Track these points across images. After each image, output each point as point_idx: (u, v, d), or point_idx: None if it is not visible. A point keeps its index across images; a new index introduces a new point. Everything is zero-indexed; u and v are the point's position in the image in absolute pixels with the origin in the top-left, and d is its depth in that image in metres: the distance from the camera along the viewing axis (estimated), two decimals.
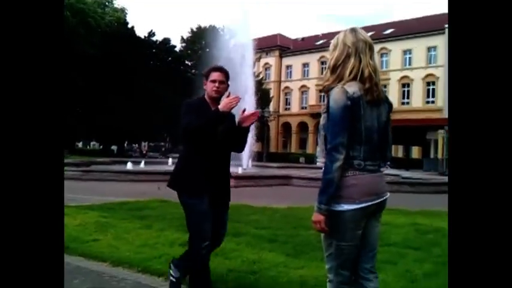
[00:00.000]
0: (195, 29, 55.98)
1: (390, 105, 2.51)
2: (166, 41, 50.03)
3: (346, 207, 2.28)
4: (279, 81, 58.85)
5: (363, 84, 2.31)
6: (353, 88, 2.29)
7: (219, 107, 3.33)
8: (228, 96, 3.41)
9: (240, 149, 3.71)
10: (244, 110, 3.56)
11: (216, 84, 3.49)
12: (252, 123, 3.56)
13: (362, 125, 2.30)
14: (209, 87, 3.52)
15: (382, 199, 2.42)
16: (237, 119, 3.60)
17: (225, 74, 3.59)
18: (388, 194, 2.48)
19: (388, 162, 2.56)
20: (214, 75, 3.52)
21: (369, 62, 2.34)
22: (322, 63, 54.59)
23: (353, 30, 2.45)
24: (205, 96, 3.60)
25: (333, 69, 2.41)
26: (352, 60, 2.35)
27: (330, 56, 2.45)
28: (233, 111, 3.43)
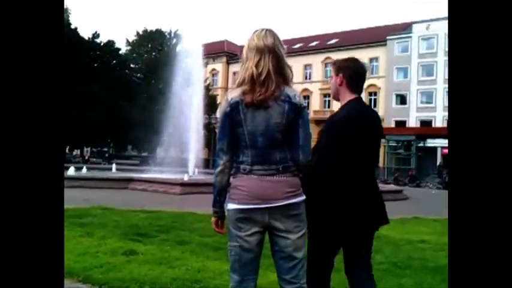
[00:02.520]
0: (141, 32, 55.22)
1: (292, 104, 2.33)
2: (110, 43, 48.93)
3: (229, 206, 2.36)
4: (226, 88, 58.96)
5: (245, 88, 2.31)
6: (234, 94, 2.33)
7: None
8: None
9: None
10: None
11: None
12: None
13: (244, 129, 2.30)
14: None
15: (270, 205, 2.30)
16: None
17: None
18: (289, 201, 2.32)
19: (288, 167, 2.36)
20: None
21: (252, 65, 2.31)
22: None
23: (251, 35, 2.43)
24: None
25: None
26: (243, 66, 2.38)
27: None
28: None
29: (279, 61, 2.34)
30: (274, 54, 2.33)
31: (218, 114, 51.54)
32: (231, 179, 2.39)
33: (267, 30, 2.40)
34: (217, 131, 2.49)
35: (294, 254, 2.36)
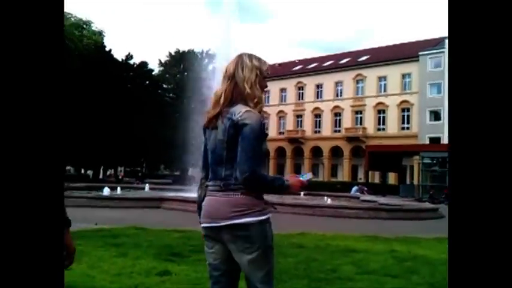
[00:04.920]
0: (173, 53, 56.28)
1: (232, 121, 2.33)
2: (143, 64, 50.03)
3: None
4: None
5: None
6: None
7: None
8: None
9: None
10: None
11: None
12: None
13: (207, 148, 2.49)
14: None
15: (216, 224, 2.33)
16: None
17: None
18: (233, 221, 2.28)
19: (230, 181, 2.34)
20: None
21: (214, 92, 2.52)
22: (299, 88, 55.29)
23: None
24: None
25: None
26: None
27: None
28: None
29: (236, 84, 2.45)
30: (233, 75, 2.47)
31: None
32: None
33: (241, 53, 2.56)
34: None
35: (250, 277, 2.34)
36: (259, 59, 2.53)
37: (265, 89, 2.57)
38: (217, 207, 2.34)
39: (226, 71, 2.51)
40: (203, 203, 2.46)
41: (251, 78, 2.44)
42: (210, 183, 2.45)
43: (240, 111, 2.34)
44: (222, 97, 2.44)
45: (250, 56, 2.52)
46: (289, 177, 2.53)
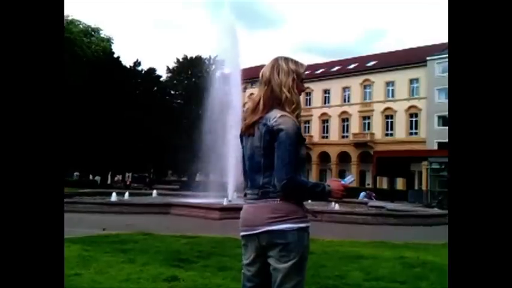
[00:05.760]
0: (181, 59, 56.44)
1: (267, 127, 2.30)
2: (151, 70, 50.23)
3: None
4: None
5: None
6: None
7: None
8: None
9: None
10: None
11: None
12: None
13: (245, 156, 2.44)
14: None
15: (254, 231, 2.29)
16: None
17: None
18: (270, 227, 2.24)
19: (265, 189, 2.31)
20: None
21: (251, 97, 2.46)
22: (307, 93, 55.23)
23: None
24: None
25: None
26: None
27: None
28: None
29: (273, 89, 2.39)
30: (267, 81, 2.41)
31: None
32: None
33: (273, 58, 2.50)
34: None
35: (281, 286, 2.25)
36: (295, 62, 2.46)
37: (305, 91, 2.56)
38: (255, 214, 2.30)
39: (262, 76, 2.45)
40: (241, 212, 2.40)
41: (288, 83, 2.38)
42: (248, 191, 2.39)
43: (274, 116, 2.30)
44: (261, 103, 2.38)
45: (287, 59, 2.45)
46: (330, 181, 2.40)
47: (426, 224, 15.46)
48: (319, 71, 57.45)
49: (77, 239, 8.23)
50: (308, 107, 55.46)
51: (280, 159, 2.23)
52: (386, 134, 49.91)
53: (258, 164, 2.33)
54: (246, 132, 2.41)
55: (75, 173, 54.07)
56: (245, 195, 2.42)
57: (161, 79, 53.09)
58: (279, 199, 2.26)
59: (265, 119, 2.32)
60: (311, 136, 55.07)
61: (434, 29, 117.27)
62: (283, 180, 2.21)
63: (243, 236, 2.37)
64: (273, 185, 2.26)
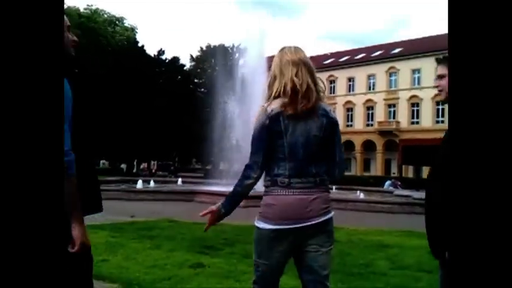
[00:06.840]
0: (204, 48, 56.58)
1: (329, 119, 2.35)
2: (175, 59, 50.45)
3: (262, 225, 2.32)
4: None
5: (286, 100, 2.29)
6: (273, 105, 2.29)
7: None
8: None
9: None
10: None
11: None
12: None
13: (284, 141, 2.28)
14: None
15: (305, 224, 2.25)
16: None
17: None
18: (324, 217, 2.29)
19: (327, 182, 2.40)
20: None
21: (292, 77, 2.30)
22: (331, 82, 54.78)
23: (280, 51, 2.44)
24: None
25: (267, 90, 2.43)
26: (277, 80, 2.36)
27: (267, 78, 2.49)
28: None
29: (312, 75, 2.36)
30: (308, 68, 2.36)
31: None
32: (265, 195, 2.37)
33: (295, 46, 2.46)
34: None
35: (320, 270, 2.33)
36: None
37: None
38: (307, 206, 2.27)
39: (297, 58, 2.36)
40: (279, 204, 2.28)
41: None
42: (295, 179, 2.28)
43: (330, 109, 2.38)
44: (311, 87, 2.32)
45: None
46: None
47: None
48: (343, 59, 56.90)
49: (105, 226, 8.37)
50: (332, 95, 55.01)
51: (342, 152, 2.43)
52: (412, 122, 49.22)
53: (314, 152, 2.32)
54: (303, 116, 2.27)
55: (102, 161, 54.97)
56: (288, 184, 2.27)
57: (185, 68, 53.29)
58: (327, 189, 2.38)
59: (322, 110, 2.34)
60: None
61: None
62: (343, 172, 2.44)
63: (281, 230, 2.26)
64: (329, 174, 2.37)
